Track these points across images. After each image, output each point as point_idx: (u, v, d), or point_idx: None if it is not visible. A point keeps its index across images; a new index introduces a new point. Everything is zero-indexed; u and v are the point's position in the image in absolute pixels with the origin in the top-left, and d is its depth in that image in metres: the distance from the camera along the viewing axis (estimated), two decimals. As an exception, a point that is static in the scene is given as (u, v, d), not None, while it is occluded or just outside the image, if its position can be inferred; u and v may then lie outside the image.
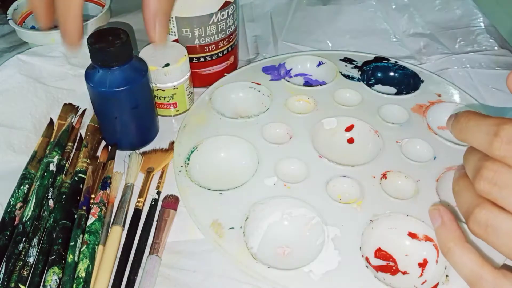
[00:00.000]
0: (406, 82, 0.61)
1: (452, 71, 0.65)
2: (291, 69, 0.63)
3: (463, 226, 0.35)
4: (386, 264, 0.42)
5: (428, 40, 0.71)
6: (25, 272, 0.41)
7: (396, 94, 0.60)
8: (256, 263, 0.41)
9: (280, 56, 0.65)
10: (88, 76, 0.49)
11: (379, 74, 0.63)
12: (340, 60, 0.64)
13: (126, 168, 0.51)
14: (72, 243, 0.43)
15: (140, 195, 0.48)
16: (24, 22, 0.67)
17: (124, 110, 0.50)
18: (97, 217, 0.45)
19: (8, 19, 0.64)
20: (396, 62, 0.63)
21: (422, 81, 0.60)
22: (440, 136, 0.52)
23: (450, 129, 0.36)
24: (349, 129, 0.54)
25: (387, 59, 0.63)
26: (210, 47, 0.59)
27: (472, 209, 0.32)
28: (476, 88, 0.62)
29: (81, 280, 0.40)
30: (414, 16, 0.75)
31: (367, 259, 0.41)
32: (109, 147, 0.53)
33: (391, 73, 0.62)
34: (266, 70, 0.62)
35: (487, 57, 0.67)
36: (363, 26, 0.75)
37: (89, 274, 0.41)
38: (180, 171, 0.49)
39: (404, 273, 0.41)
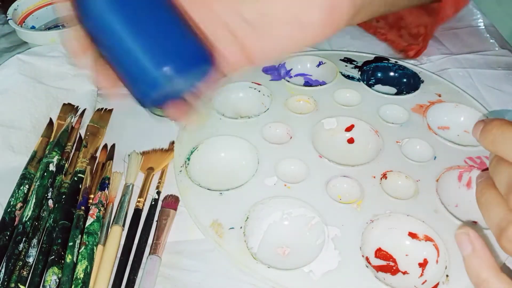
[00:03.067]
0: (406, 82, 0.61)
1: (452, 71, 0.65)
2: (291, 69, 0.63)
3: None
4: (386, 264, 0.42)
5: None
6: (24, 272, 0.41)
7: (396, 94, 0.60)
8: (256, 263, 0.41)
9: (280, 56, 0.65)
10: None
11: (379, 74, 0.62)
12: (340, 60, 0.64)
13: (126, 167, 0.51)
14: (70, 244, 0.43)
15: (140, 195, 0.48)
16: (24, 22, 0.67)
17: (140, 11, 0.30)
18: (95, 218, 0.45)
19: (8, 19, 0.64)
20: (396, 62, 0.63)
21: (422, 81, 0.60)
22: (440, 136, 0.52)
23: (477, 138, 0.34)
24: (349, 129, 0.54)
25: (387, 59, 0.63)
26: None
27: (505, 226, 0.31)
28: (476, 88, 0.62)
29: (80, 281, 0.40)
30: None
31: (367, 259, 0.41)
32: (108, 147, 0.53)
33: (391, 73, 0.62)
34: (266, 70, 0.62)
35: (487, 57, 0.67)
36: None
37: (87, 275, 0.41)
38: (181, 171, 0.49)
39: (404, 273, 0.41)
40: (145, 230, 0.46)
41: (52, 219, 0.45)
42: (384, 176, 0.48)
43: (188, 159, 0.50)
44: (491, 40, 0.70)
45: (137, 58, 0.30)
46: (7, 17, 0.64)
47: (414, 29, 0.66)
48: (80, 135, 0.55)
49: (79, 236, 0.44)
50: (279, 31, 0.35)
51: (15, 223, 0.45)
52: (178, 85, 0.32)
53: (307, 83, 0.62)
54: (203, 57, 0.32)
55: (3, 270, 0.41)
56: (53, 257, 0.42)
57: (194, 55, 0.32)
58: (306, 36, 0.36)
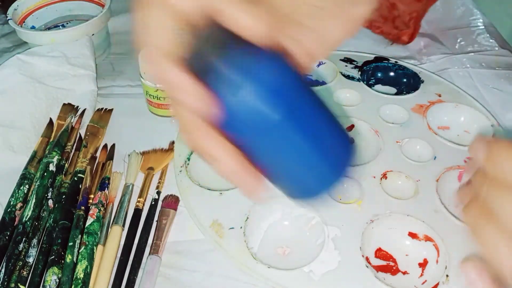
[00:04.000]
0: (406, 82, 0.61)
1: (452, 71, 0.65)
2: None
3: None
4: (386, 264, 0.42)
5: (428, 40, 0.71)
6: (24, 272, 0.41)
7: (396, 94, 0.60)
8: (256, 263, 0.41)
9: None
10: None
11: (379, 74, 0.62)
12: (340, 60, 0.64)
13: (126, 168, 0.51)
14: (70, 244, 0.43)
15: (140, 195, 0.48)
16: (24, 22, 0.67)
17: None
18: (95, 218, 0.45)
19: (8, 19, 0.64)
20: (396, 62, 0.63)
21: (422, 81, 0.60)
22: (440, 136, 0.52)
23: (478, 158, 0.29)
24: (349, 129, 0.54)
25: (387, 59, 0.63)
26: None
27: None
28: (476, 88, 0.62)
29: (79, 281, 0.40)
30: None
31: (367, 259, 0.41)
32: (108, 147, 0.53)
33: (391, 73, 0.62)
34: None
35: (487, 57, 0.67)
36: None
37: (87, 275, 0.41)
38: (181, 171, 0.49)
39: (404, 273, 0.41)
40: (145, 230, 0.46)
41: (52, 219, 0.45)
42: (384, 176, 0.48)
43: (188, 159, 0.50)
44: (491, 40, 0.70)
45: (312, 161, 0.28)
46: (7, 17, 0.64)
47: (407, 17, 0.66)
48: (80, 135, 0.55)
49: (79, 236, 0.44)
50: (333, 27, 0.34)
51: (15, 223, 0.45)
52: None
53: (307, 83, 0.62)
54: (353, 149, 0.31)
55: (3, 270, 0.41)
56: (53, 257, 0.42)
57: (349, 150, 0.30)
58: (354, 30, 0.35)
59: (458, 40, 0.71)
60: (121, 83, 0.64)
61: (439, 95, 0.58)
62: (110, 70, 0.66)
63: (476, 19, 0.75)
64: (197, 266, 0.43)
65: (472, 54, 0.68)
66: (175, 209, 0.47)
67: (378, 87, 0.62)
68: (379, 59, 0.63)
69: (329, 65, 0.63)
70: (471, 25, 0.74)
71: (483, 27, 0.73)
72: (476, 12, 0.75)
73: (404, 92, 0.59)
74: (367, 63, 0.63)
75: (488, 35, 0.71)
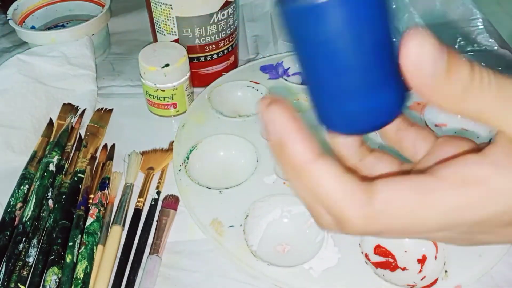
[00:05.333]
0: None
1: (451, 70, 0.65)
2: (289, 68, 0.63)
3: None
4: (386, 260, 0.42)
5: (427, 39, 0.71)
6: (24, 272, 0.42)
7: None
8: (257, 261, 0.41)
9: (278, 55, 0.65)
10: None
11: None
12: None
13: (125, 167, 0.51)
14: (70, 244, 0.43)
15: (140, 195, 0.48)
16: (24, 22, 0.67)
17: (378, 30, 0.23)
18: (95, 218, 0.45)
19: (8, 19, 0.64)
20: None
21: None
22: (438, 133, 0.52)
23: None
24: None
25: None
26: (210, 46, 0.59)
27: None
28: (475, 87, 0.62)
29: (79, 281, 0.40)
30: (414, 16, 0.75)
31: (366, 255, 0.42)
32: (108, 147, 0.53)
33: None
34: (264, 69, 0.62)
35: (487, 57, 0.67)
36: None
37: (87, 275, 0.41)
38: (180, 170, 0.49)
39: (403, 269, 0.41)
40: (145, 230, 0.46)
41: (52, 219, 0.45)
42: (384, 174, 0.48)
43: (187, 158, 0.50)
44: (490, 40, 0.70)
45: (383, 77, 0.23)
46: (7, 17, 0.65)
47: None
48: (80, 135, 0.55)
49: (79, 236, 0.44)
50: None
51: (15, 223, 0.45)
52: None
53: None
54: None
55: (3, 270, 0.41)
56: (53, 257, 0.42)
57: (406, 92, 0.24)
58: None
59: (458, 40, 0.71)
60: (121, 83, 0.64)
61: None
62: (110, 70, 0.67)
63: (475, 19, 0.75)
64: (197, 266, 0.43)
65: (472, 53, 0.68)
66: (175, 209, 0.47)
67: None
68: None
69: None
70: (471, 25, 0.74)
71: (482, 27, 0.73)
72: (476, 12, 0.75)
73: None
74: None
75: (487, 35, 0.71)
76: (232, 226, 0.44)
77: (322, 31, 0.21)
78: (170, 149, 0.53)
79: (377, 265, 0.42)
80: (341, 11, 0.21)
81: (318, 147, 0.21)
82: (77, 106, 0.58)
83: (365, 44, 0.22)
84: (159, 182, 0.50)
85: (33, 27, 0.68)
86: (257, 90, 0.59)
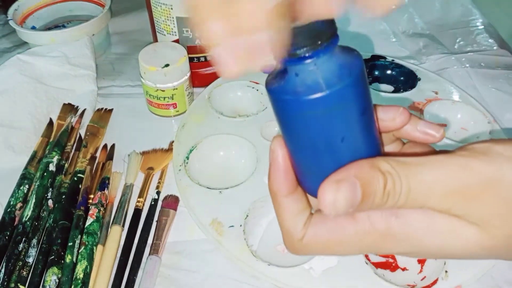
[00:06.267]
0: (403, 80, 0.61)
1: (451, 70, 0.65)
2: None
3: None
4: (386, 260, 0.42)
5: (427, 40, 0.71)
6: (24, 272, 0.42)
7: (393, 92, 0.60)
8: (257, 261, 0.41)
9: (278, 55, 0.65)
10: (276, 84, 0.26)
11: (376, 72, 0.63)
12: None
13: (125, 167, 0.51)
14: (70, 244, 0.43)
15: (140, 195, 0.48)
16: (24, 22, 0.67)
17: (352, 121, 0.27)
18: (95, 218, 0.45)
19: (9, 20, 0.64)
20: (393, 60, 0.63)
21: (419, 79, 0.60)
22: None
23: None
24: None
25: (384, 57, 0.63)
26: (210, 47, 0.59)
27: None
28: (475, 88, 0.62)
29: (79, 281, 0.40)
30: (413, 16, 0.75)
31: (366, 255, 0.41)
32: (108, 147, 0.53)
33: (388, 71, 0.62)
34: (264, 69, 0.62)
35: (486, 57, 0.67)
36: (362, 26, 0.75)
37: (87, 275, 0.41)
38: (180, 170, 0.49)
39: (403, 269, 0.41)
40: (145, 230, 0.46)
41: (52, 219, 0.45)
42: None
43: (187, 158, 0.50)
44: (490, 40, 0.70)
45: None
46: (7, 17, 0.65)
47: None
48: (80, 135, 0.55)
49: (79, 236, 0.44)
50: None
51: (15, 223, 0.45)
52: None
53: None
54: None
55: (3, 270, 0.41)
56: (53, 257, 0.42)
57: None
58: None
59: (457, 40, 0.71)
60: (121, 83, 0.64)
61: (436, 93, 0.58)
62: (110, 70, 0.67)
63: (475, 19, 0.75)
64: (197, 266, 0.43)
65: (471, 54, 0.68)
66: (175, 209, 0.47)
67: (375, 85, 0.62)
68: (376, 57, 0.63)
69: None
70: (470, 25, 0.74)
71: (482, 27, 0.73)
72: (475, 12, 0.75)
73: (401, 90, 0.60)
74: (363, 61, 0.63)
75: (487, 35, 0.71)
76: (232, 226, 0.44)
77: (300, 121, 0.26)
78: (170, 149, 0.53)
79: (377, 265, 0.41)
80: (318, 109, 0.25)
81: (294, 185, 0.28)
82: (77, 106, 0.58)
83: (335, 137, 0.26)
84: (159, 182, 0.50)
85: (33, 28, 0.69)
86: (257, 90, 0.59)
